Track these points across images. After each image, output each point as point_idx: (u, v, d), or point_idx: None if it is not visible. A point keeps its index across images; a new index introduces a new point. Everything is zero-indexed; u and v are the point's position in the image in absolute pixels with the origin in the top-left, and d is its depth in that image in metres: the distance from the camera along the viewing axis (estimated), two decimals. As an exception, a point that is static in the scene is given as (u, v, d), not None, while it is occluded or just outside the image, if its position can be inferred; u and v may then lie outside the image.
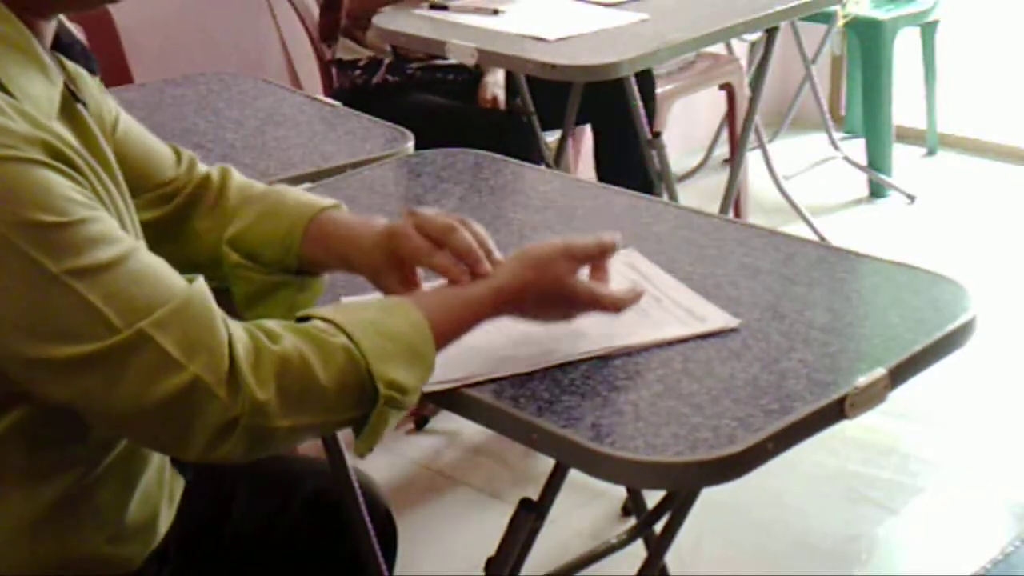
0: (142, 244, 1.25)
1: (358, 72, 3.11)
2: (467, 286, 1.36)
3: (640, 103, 2.95)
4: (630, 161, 3.13)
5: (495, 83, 3.19)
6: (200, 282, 1.24)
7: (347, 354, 1.25)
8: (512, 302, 1.36)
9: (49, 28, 1.31)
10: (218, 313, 1.22)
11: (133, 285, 1.19)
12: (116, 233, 1.21)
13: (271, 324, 1.26)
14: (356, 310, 1.32)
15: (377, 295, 1.53)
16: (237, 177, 1.59)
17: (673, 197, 3.00)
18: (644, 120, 2.99)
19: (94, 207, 1.20)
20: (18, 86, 1.21)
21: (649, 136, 2.99)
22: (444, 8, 2.80)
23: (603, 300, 1.40)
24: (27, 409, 1.25)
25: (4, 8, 1.24)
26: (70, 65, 1.37)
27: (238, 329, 1.23)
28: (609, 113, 3.16)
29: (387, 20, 2.75)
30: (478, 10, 2.77)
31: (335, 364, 1.24)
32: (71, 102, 1.30)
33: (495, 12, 2.75)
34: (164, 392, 1.18)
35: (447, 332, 1.33)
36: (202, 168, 1.58)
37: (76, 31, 1.44)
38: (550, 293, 1.37)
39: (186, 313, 1.20)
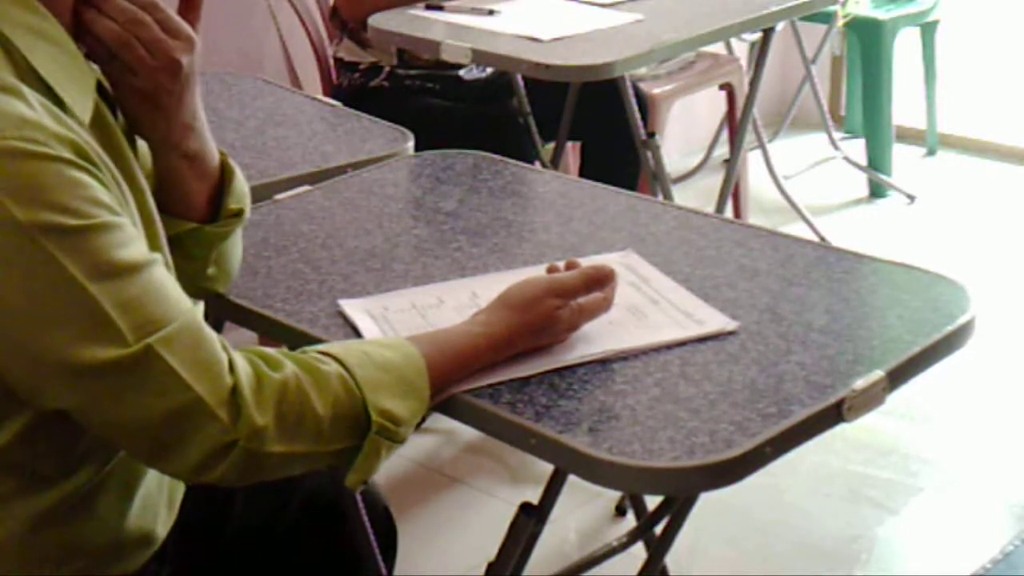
0: (159, 258, 1.26)
1: (357, 75, 3.11)
2: (462, 335, 1.38)
3: (636, 107, 2.93)
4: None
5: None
6: (200, 306, 1.25)
7: (342, 383, 1.27)
8: (508, 347, 1.39)
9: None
10: (217, 336, 1.25)
11: (145, 297, 1.20)
12: (135, 242, 1.23)
13: (270, 352, 1.28)
14: (351, 343, 1.36)
15: (372, 301, 1.53)
16: None
17: (668, 198, 3.00)
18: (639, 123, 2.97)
19: (117, 212, 1.21)
20: (60, 85, 1.23)
21: (644, 136, 2.97)
22: (439, 8, 2.80)
23: (595, 308, 1.43)
24: (31, 416, 1.25)
25: (42, 7, 1.25)
26: None
27: (238, 355, 1.25)
28: (597, 128, 3.14)
29: (383, 20, 2.74)
30: (473, 10, 2.76)
31: (330, 392, 1.26)
32: (102, 108, 1.31)
33: (490, 12, 2.75)
34: (167, 409, 1.20)
35: (442, 375, 1.34)
36: None
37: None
38: (542, 329, 1.40)
39: (191, 333, 1.22)
